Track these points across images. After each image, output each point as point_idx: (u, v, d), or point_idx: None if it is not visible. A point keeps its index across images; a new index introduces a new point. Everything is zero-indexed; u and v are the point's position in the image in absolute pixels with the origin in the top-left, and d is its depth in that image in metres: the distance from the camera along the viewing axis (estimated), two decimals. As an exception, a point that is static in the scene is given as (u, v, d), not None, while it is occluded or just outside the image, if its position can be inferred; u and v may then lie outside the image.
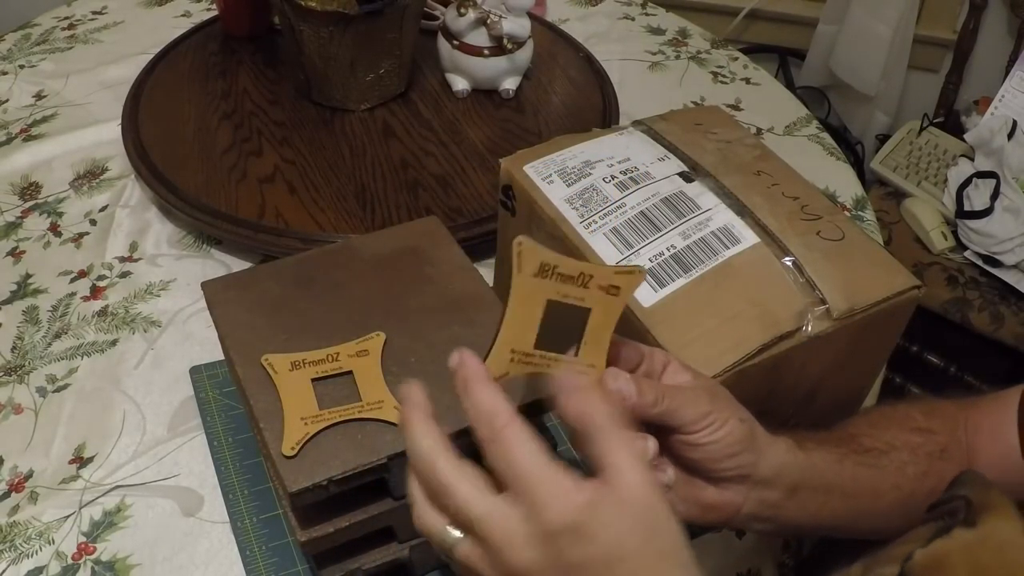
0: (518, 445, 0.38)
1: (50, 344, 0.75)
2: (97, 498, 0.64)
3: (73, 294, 0.79)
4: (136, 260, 0.83)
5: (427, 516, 0.42)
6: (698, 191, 0.61)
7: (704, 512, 0.49)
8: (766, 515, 0.50)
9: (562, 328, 0.44)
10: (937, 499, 0.51)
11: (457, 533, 0.41)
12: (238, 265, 0.82)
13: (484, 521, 0.39)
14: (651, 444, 0.45)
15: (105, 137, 0.96)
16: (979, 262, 1.35)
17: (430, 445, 0.41)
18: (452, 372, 0.42)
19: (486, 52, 0.96)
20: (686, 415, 0.45)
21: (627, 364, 0.47)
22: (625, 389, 0.44)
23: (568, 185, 0.62)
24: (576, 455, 0.56)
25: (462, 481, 0.40)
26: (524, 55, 0.99)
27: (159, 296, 0.79)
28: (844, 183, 0.96)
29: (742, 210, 0.59)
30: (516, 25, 0.94)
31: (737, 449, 0.47)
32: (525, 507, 0.38)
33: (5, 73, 1.08)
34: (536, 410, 0.51)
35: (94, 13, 1.20)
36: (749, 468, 0.48)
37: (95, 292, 0.80)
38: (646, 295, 0.55)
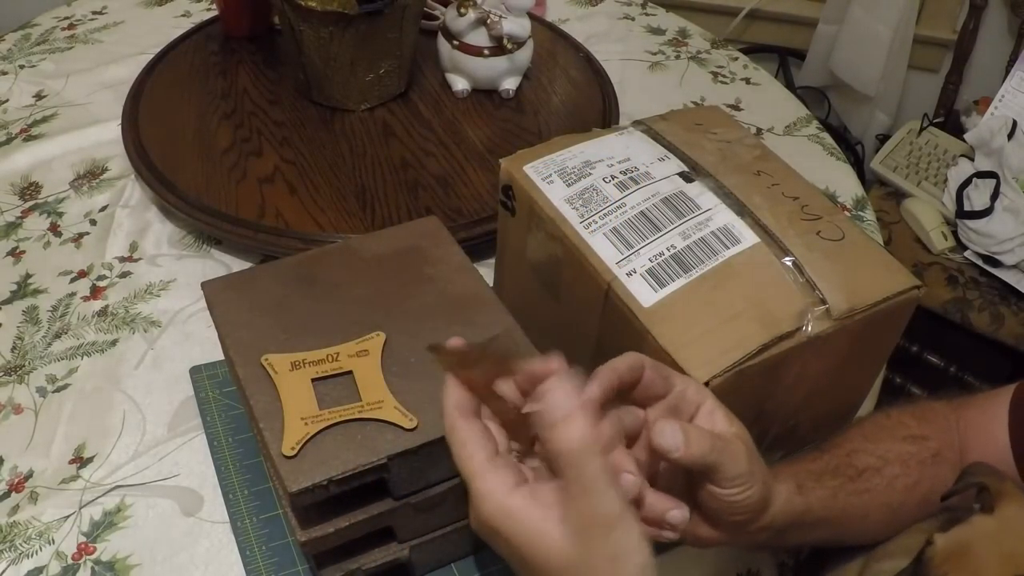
0: (457, 447, 0.43)
1: (50, 344, 0.75)
2: (97, 498, 0.64)
3: (73, 294, 0.79)
4: (136, 260, 0.83)
5: None
6: (698, 191, 0.61)
7: (693, 541, 0.49)
8: (756, 543, 0.51)
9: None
10: (950, 489, 0.51)
11: None
12: (238, 265, 0.82)
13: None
14: (679, 513, 0.45)
15: (105, 137, 0.96)
16: (979, 262, 1.35)
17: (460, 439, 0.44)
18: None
19: (486, 52, 0.96)
20: (728, 471, 0.45)
21: (651, 391, 0.46)
22: (672, 442, 0.43)
23: (568, 185, 0.62)
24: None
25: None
26: (524, 55, 0.99)
27: (159, 296, 0.79)
28: (844, 183, 0.96)
29: (742, 210, 0.59)
30: (516, 25, 0.94)
31: (756, 509, 0.47)
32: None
33: (5, 73, 1.08)
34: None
35: (94, 13, 1.20)
36: (752, 521, 0.48)
37: (95, 292, 0.80)
38: (646, 295, 0.55)
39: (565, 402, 0.39)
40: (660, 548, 0.41)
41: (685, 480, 0.47)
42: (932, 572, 0.46)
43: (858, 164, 1.84)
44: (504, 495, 0.41)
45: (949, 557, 0.46)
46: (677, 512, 0.45)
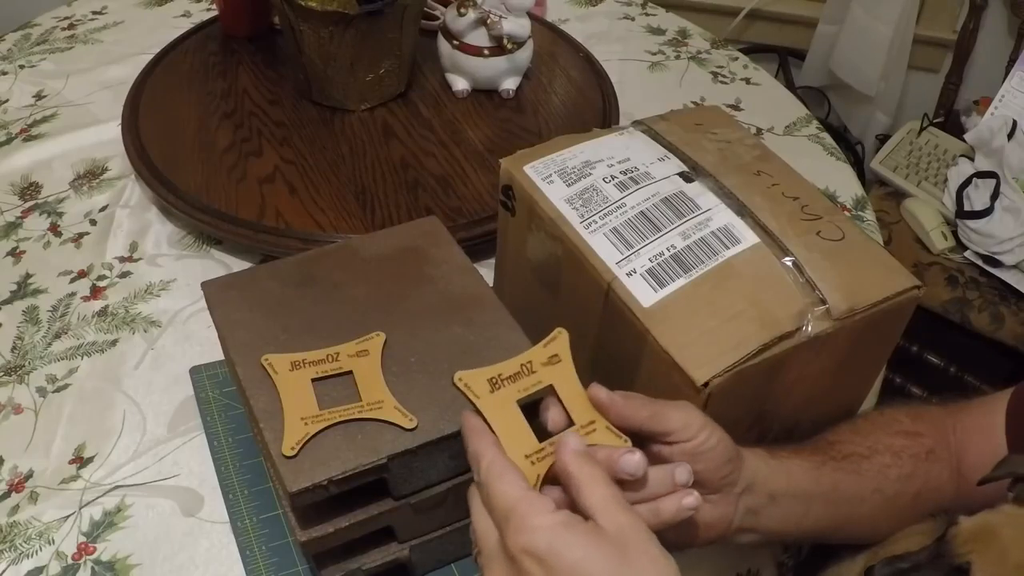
0: (495, 481, 0.42)
1: (50, 344, 0.75)
2: (97, 498, 0.64)
3: (73, 294, 0.79)
4: (136, 260, 0.83)
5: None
6: (698, 191, 0.61)
7: (702, 532, 0.50)
8: (750, 524, 0.51)
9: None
10: (988, 474, 0.51)
11: (475, 549, 0.45)
12: (238, 265, 0.82)
13: (479, 537, 0.43)
14: (684, 470, 0.46)
15: (105, 137, 0.96)
16: (979, 262, 1.35)
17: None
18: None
19: (486, 52, 0.96)
20: (680, 421, 0.47)
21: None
22: (604, 398, 0.46)
23: (568, 185, 0.62)
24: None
25: (474, 499, 0.44)
26: (524, 55, 0.99)
27: (159, 296, 0.79)
28: (844, 183, 0.96)
29: (742, 210, 0.59)
30: (516, 25, 0.94)
31: (731, 454, 0.49)
32: (502, 529, 0.41)
33: (5, 73, 1.08)
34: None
35: (94, 13, 1.20)
36: (736, 473, 0.49)
37: (95, 292, 0.80)
38: (646, 295, 0.55)
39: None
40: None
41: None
42: (955, 551, 0.46)
43: (858, 164, 1.83)
44: (553, 520, 0.40)
45: (973, 537, 0.46)
46: (681, 469, 0.46)
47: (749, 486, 0.50)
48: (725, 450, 0.48)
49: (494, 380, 0.46)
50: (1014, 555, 0.44)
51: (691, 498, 0.46)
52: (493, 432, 0.45)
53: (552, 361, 0.47)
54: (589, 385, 0.47)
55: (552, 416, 0.46)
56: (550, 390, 0.47)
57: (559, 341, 0.48)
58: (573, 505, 0.42)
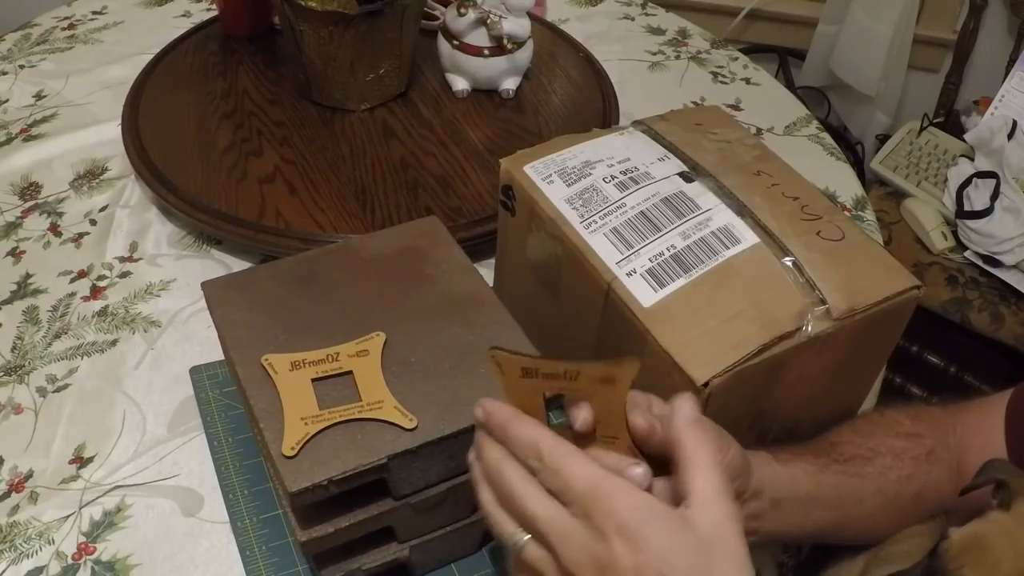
0: (569, 463, 0.40)
1: (50, 344, 0.75)
2: (97, 498, 0.64)
3: (73, 294, 0.79)
4: (136, 260, 0.83)
5: (498, 519, 0.43)
6: (698, 191, 0.61)
7: None
8: (752, 527, 0.51)
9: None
10: (970, 483, 0.51)
11: (525, 536, 0.41)
12: (238, 265, 0.82)
13: (543, 521, 0.40)
14: (641, 471, 0.45)
15: (105, 137, 0.96)
16: (979, 262, 1.35)
17: (498, 455, 0.42)
18: (480, 424, 0.44)
19: (486, 52, 0.96)
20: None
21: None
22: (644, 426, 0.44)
23: (568, 185, 0.62)
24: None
25: (527, 485, 0.41)
26: (524, 55, 0.99)
27: (159, 296, 0.79)
28: (844, 183, 0.96)
29: (742, 210, 0.59)
30: (516, 25, 0.94)
31: (741, 470, 0.48)
32: (583, 512, 0.39)
33: (5, 73, 1.08)
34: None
35: (94, 13, 1.20)
36: (744, 485, 0.49)
37: (95, 292, 0.80)
38: (646, 295, 0.55)
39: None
40: None
41: None
42: (948, 566, 0.46)
43: (858, 164, 1.83)
44: (642, 500, 0.39)
45: (965, 551, 0.46)
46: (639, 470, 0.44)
47: (755, 493, 0.50)
48: (736, 467, 0.47)
49: (529, 371, 0.43)
50: (1006, 564, 0.44)
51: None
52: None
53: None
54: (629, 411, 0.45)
55: (583, 415, 0.44)
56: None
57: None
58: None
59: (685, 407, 0.42)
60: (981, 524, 0.47)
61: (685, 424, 0.41)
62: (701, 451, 0.41)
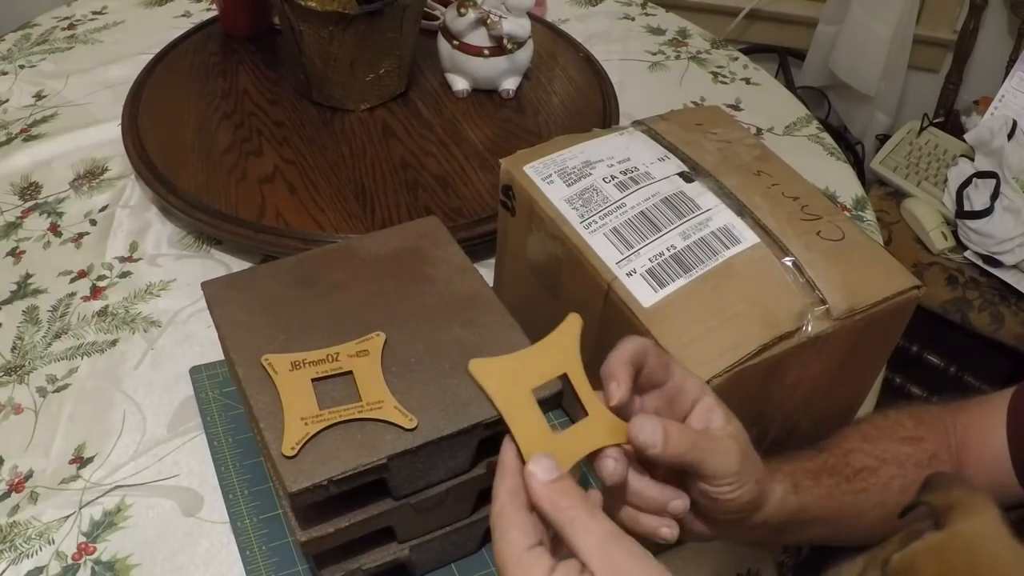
0: (497, 537, 0.40)
1: (50, 344, 0.75)
2: (97, 498, 0.64)
3: (73, 294, 0.79)
4: (136, 260, 0.83)
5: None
6: (698, 191, 0.61)
7: (689, 535, 0.49)
8: (746, 541, 0.51)
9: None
10: (907, 504, 0.51)
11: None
12: (238, 265, 0.82)
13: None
14: (681, 503, 0.45)
15: (105, 137, 0.96)
16: (979, 262, 1.35)
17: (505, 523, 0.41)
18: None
19: (486, 52, 0.96)
20: (715, 469, 0.45)
21: (650, 379, 0.46)
22: (650, 439, 0.43)
23: (568, 185, 0.62)
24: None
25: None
26: (524, 55, 0.99)
27: (159, 296, 0.79)
28: (844, 183, 0.96)
29: (742, 210, 0.59)
30: (516, 25, 0.94)
31: (747, 509, 0.48)
32: None
33: (5, 73, 1.08)
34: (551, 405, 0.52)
35: (94, 13, 1.20)
36: (746, 519, 0.49)
37: (95, 292, 0.80)
38: (646, 295, 0.55)
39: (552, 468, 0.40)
40: (659, 548, 0.41)
41: (680, 473, 0.47)
42: None
43: (858, 164, 1.83)
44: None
45: (897, 574, 0.46)
46: (678, 502, 0.45)
47: (757, 524, 0.50)
48: (745, 504, 0.47)
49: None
50: None
51: (667, 531, 0.45)
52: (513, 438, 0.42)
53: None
54: (637, 423, 0.44)
55: (609, 467, 0.43)
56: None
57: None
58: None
59: (537, 472, 0.40)
60: (916, 547, 0.47)
61: (541, 494, 0.40)
62: (565, 512, 0.39)
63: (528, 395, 0.44)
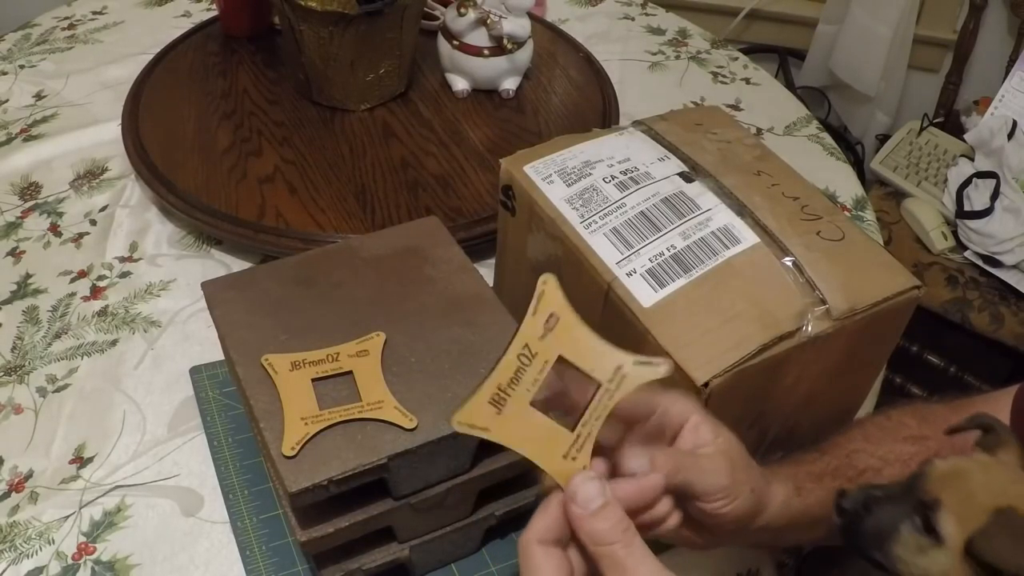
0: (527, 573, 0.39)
1: (50, 344, 0.75)
2: (97, 498, 0.64)
3: (73, 294, 0.79)
4: (136, 260, 0.83)
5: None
6: (698, 191, 0.61)
7: (689, 545, 0.50)
8: (753, 542, 0.51)
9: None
10: (957, 424, 0.52)
11: None
12: (238, 265, 0.82)
13: None
14: (674, 519, 0.45)
15: (105, 137, 0.96)
16: (979, 262, 1.35)
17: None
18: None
19: (486, 52, 0.96)
20: (705, 487, 0.45)
21: (634, 417, 0.45)
22: (635, 468, 0.42)
23: (568, 185, 0.62)
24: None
25: None
26: (524, 55, 0.99)
27: (159, 296, 0.79)
28: (844, 183, 0.96)
29: (742, 210, 0.59)
30: (516, 25, 0.94)
31: (743, 519, 0.48)
32: None
33: (5, 73, 1.08)
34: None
35: (94, 13, 1.20)
36: (747, 525, 0.49)
37: (95, 292, 0.80)
38: (646, 295, 0.55)
39: (595, 495, 0.39)
40: (659, 548, 0.41)
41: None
42: (926, 487, 0.47)
43: (858, 164, 1.83)
44: None
45: (944, 478, 0.47)
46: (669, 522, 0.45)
47: (760, 528, 0.50)
48: (742, 515, 0.47)
49: (497, 398, 0.39)
50: (980, 498, 0.46)
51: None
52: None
53: (548, 328, 0.40)
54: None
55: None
56: (562, 363, 0.40)
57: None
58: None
59: (575, 506, 0.39)
60: (964, 460, 0.48)
61: (586, 530, 0.39)
62: (606, 553, 0.38)
63: (531, 414, 0.40)
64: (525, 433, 0.40)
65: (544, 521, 0.40)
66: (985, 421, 0.51)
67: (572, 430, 0.40)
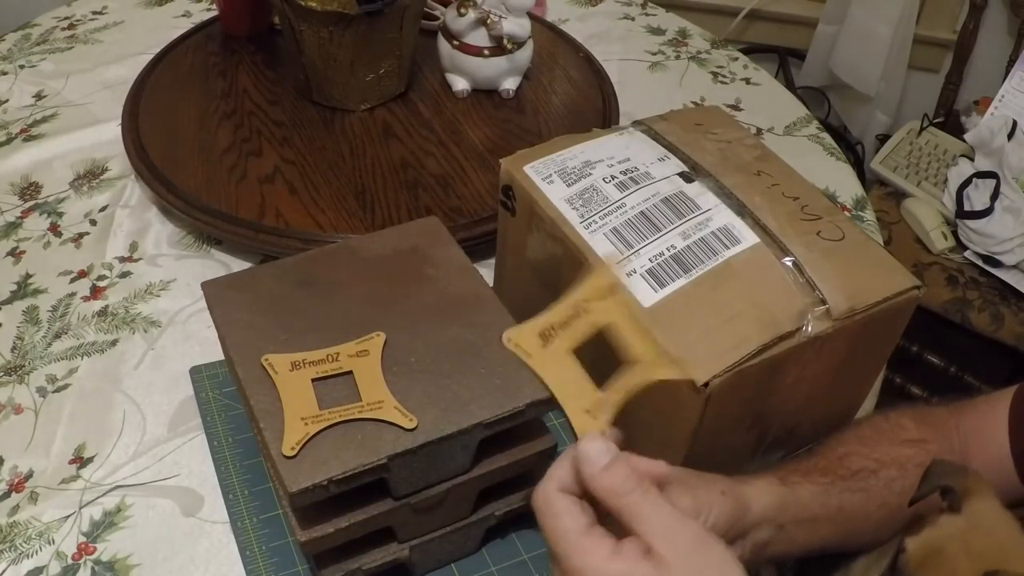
0: (551, 519, 0.40)
1: (50, 344, 0.75)
2: (97, 498, 0.64)
3: (73, 294, 0.79)
4: (136, 260, 0.83)
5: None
6: (698, 191, 0.61)
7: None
8: (755, 555, 0.51)
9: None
10: (916, 493, 0.51)
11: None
12: (238, 265, 0.82)
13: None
14: None
15: (105, 137, 0.96)
16: (979, 262, 1.35)
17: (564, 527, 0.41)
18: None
19: (486, 52, 0.96)
20: (685, 504, 0.45)
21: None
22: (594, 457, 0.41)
23: (568, 185, 0.62)
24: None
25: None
26: (524, 55, 0.99)
27: (159, 296, 0.79)
28: (844, 183, 0.96)
29: (742, 210, 0.59)
30: (516, 25, 0.94)
31: (731, 523, 0.48)
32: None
33: (5, 73, 1.08)
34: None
35: (94, 13, 1.20)
36: (740, 528, 0.49)
37: (95, 292, 0.80)
38: (646, 295, 0.55)
39: (602, 452, 0.40)
40: None
41: None
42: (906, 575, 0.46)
43: (858, 164, 1.83)
44: (604, 563, 0.38)
45: (923, 561, 0.46)
46: None
47: (757, 525, 0.50)
48: (728, 521, 0.47)
49: (546, 334, 0.42)
50: (962, 567, 0.45)
51: None
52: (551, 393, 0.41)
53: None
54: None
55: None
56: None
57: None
58: None
59: (590, 455, 0.40)
60: (935, 531, 0.48)
61: (600, 484, 0.40)
62: (627, 499, 0.39)
63: (570, 360, 0.42)
64: (560, 374, 0.42)
65: (561, 471, 0.41)
66: (942, 483, 0.50)
67: (599, 385, 0.42)
